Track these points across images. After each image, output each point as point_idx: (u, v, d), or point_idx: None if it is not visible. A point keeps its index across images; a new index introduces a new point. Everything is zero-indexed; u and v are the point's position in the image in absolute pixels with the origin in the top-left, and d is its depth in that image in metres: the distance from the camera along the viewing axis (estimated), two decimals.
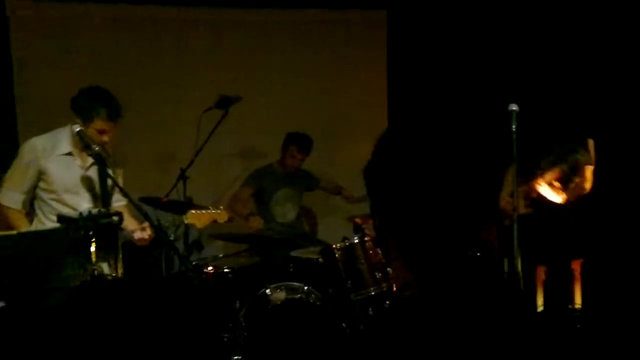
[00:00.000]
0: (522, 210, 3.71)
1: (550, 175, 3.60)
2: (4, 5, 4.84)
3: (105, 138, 3.19)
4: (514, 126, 3.33)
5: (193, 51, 5.30)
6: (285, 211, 4.92)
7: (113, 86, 4.91)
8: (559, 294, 4.32)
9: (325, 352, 3.67)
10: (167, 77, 5.24)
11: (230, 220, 4.36)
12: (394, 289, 3.89)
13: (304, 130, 4.92)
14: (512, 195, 3.64)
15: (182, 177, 4.35)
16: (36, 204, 3.25)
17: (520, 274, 3.23)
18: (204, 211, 3.55)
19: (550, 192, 3.61)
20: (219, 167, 5.25)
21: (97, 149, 3.02)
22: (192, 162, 4.32)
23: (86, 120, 3.14)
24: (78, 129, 3.04)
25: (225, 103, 4.40)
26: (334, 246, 4.01)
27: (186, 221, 3.47)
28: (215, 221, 3.60)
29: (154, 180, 4.79)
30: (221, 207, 3.67)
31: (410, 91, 5.56)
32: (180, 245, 4.14)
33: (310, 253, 4.24)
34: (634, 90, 4.89)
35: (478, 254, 4.15)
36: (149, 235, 3.19)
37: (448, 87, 5.41)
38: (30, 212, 3.27)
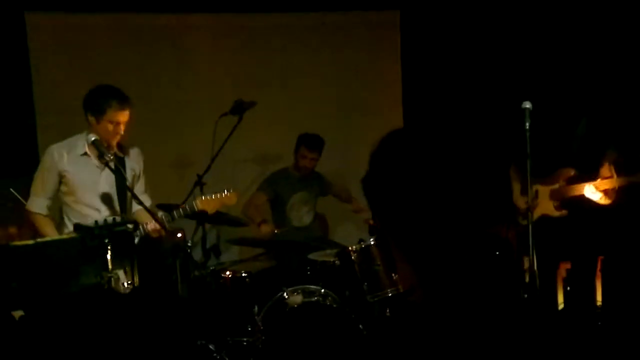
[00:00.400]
0: (554, 212, 3.68)
1: (609, 182, 3.59)
2: (23, 17, 4.93)
3: (121, 130, 3.32)
4: (527, 124, 3.32)
5: (210, 58, 5.34)
6: (301, 215, 4.94)
7: (129, 93, 5.03)
8: (580, 291, 4.28)
9: (342, 354, 3.68)
10: (182, 83, 5.29)
11: (245, 224, 4.40)
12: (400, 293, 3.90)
13: (318, 133, 4.94)
14: (522, 193, 3.62)
15: (199, 183, 4.37)
16: (63, 210, 3.39)
17: (537, 272, 3.21)
18: (212, 196, 3.57)
19: (599, 196, 3.58)
20: (234, 173, 5.28)
21: (111, 157, 3.09)
22: (208, 167, 4.34)
23: (99, 114, 3.28)
24: (93, 139, 3.11)
25: (240, 109, 4.43)
26: (349, 248, 4.03)
27: (197, 208, 3.50)
28: (224, 204, 3.62)
29: (171, 186, 4.84)
30: (231, 190, 3.66)
31: (425, 91, 5.55)
32: (198, 251, 4.19)
33: (326, 256, 4.26)
34: None
35: (497, 253, 4.14)
36: (161, 229, 3.29)
37: (462, 86, 5.39)
38: (59, 220, 3.39)
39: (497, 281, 3.97)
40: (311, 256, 4.29)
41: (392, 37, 5.63)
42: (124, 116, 3.34)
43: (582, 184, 3.59)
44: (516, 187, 3.94)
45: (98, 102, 3.31)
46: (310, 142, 4.85)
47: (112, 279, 2.54)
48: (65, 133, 3.56)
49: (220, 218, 3.81)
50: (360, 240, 4.11)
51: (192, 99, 5.28)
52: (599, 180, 3.56)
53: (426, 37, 5.51)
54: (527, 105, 3.35)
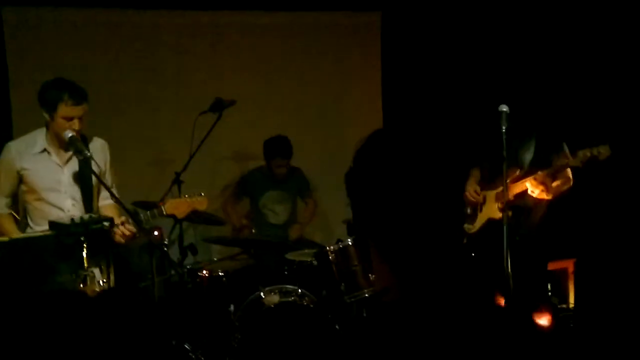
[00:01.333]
0: (497, 214, 3.72)
1: (542, 175, 3.62)
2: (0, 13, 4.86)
3: (75, 125, 3.10)
4: (504, 127, 3.35)
5: (189, 55, 5.31)
6: (276, 212, 4.95)
7: (110, 89, 5.01)
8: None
9: (319, 354, 3.69)
10: (163, 81, 5.26)
11: (223, 222, 4.39)
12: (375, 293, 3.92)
13: (298, 133, 4.95)
14: (500, 197, 3.66)
15: (177, 180, 4.35)
16: (26, 210, 3.23)
17: (510, 274, 3.25)
18: (181, 200, 3.37)
19: (538, 191, 3.62)
20: (213, 171, 5.26)
21: (88, 154, 3.01)
22: (186, 165, 4.32)
23: (51, 110, 3.10)
24: (70, 135, 3.03)
25: (219, 106, 4.40)
26: (327, 248, 4.04)
27: (165, 212, 3.29)
28: (195, 210, 3.39)
29: (150, 183, 4.82)
30: (201, 194, 3.44)
31: (405, 92, 5.58)
32: (175, 249, 4.18)
33: (304, 255, 4.27)
34: (617, 88, 4.93)
35: (472, 254, 4.17)
36: (132, 233, 3.07)
37: (442, 88, 5.43)
38: (23, 220, 3.27)
39: (472, 282, 4.01)
40: (289, 256, 4.30)
41: (373, 38, 5.65)
42: (77, 111, 3.11)
43: (523, 180, 3.65)
44: (470, 185, 3.98)
45: (49, 97, 3.11)
46: (285, 151, 4.84)
47: (88, 277, 2.51)
48: (40, 125, 3.41)
49: (197, 217, 3.75)
50: (339, 241, 4.13)
51: (171, 96, 5.25)
52: (538, 172, 3.61)
53: (407, 38, 5.54)
54: (504, 108, 3.39)
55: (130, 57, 5.19)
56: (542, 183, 3.63)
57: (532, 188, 3.64)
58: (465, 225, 3.96)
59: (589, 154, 3.50)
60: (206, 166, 4.98)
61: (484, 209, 3.89)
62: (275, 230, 4.87)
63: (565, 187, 3.77)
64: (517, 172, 3.69)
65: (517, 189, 3.66)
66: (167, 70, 5.27)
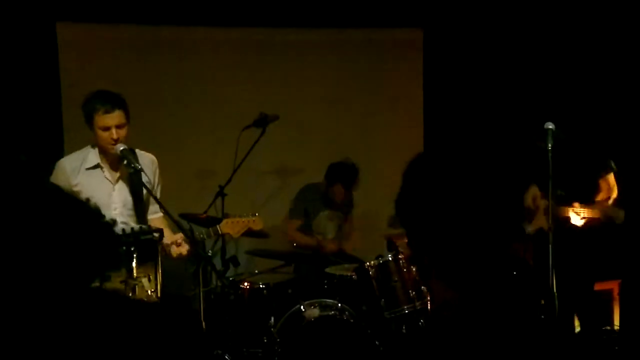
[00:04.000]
0: (544, 225, 3.69)
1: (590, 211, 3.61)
2: (55, 28, 5.04)
3: (113, 135, 3.09)
4: (550, 145, 3.32)
5: (234, 70, 5.42)
6: (326, 230, 4.98)
7: (154, 103, 5.14)
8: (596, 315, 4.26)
9: None
10: (208, 95, 5.37)
11: (266, 235, 4.44)
12: (430, 308, 3.89)
13: (338, 150, 4.97)
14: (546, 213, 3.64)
15: (221, 193, 4.43)
16: None
17: (556, 293, 3.21)
18: (238, 219, 3.49)
19: (581, 222, 3.60)
20: (255, 184, 5.34)
21: (139, 167, 3.08)
22: (230, 179, 4.40)
23: (89, 123, 3.11)
24: (121, 148, 3.11)
25: (263, 121, 4.48)
26: (367, 264, 4.05)
27: (221, 231, 3.42)
28: (250, 229, 3.51)
29: (193, 196, 4.90)
30: (256, 214, 3.56)
31: (446, 110, 5.57)
32: (217, 261, 4.24)
33: (344, 270, 4.28)
34: None
35: (515, 273, 4.14)
36: (187, 250, 3.17)
37: (484, 105, 5.41)
38: None
39: (514, 302, 3.97)
40: (329, 270, 4.32)
41: (414, 55, 5.67)
42: (113, 119, 3.08)
43: (567, 207, 3.62)
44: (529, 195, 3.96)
45: (85, 111, 3.13)
46: (348, 181, 4.84)
47: (137, 286, 2.58)
48: (90, 140, 3.44)
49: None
50: (379, 256, 4.13)
51: (216, 111, 5.35)
52: (579, 206, 3.58)
53: (449, 55, 5.54)
54: (550, 126, 3.36)
55: (177, 72, 5.32)
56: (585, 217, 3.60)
57: (576, 217, 3.61)
58: (526, 226, 3.94)
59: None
60: (248, 180, 5.05)
61: (538, 215, 3.86)
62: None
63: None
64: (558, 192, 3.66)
65: (561, 212, 3.63)
66: (212, 85, 5.38)
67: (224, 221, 3.42)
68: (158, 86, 5.25)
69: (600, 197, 3.70)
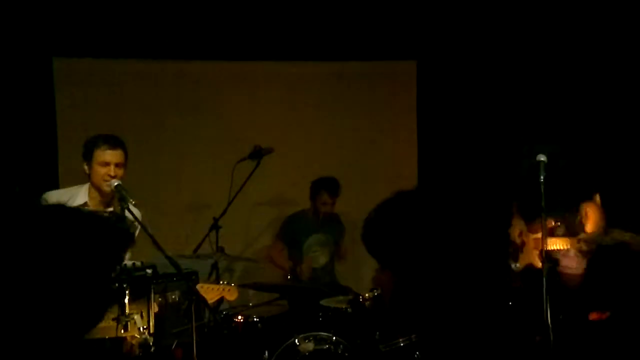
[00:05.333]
0: (538, 264, 3.69)
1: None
2: (51, 61, 5.09)
3: (111, 172, 3.15)
4: (542, 177, 3.34)
5: (228, 103, 5.47)
6: (317, 256, 4.98)
7: (148, 136, 5.17)
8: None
9: None
10: (203, 129, 5.41)
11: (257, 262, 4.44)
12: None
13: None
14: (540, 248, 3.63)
15: (215, 226, 4.44)
16: None
17: (550, 325, 3.20)
18: (213, 286, 3.51)
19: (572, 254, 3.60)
20: (249, 216, 5.34)
21: (133, 202, 3.09)
22: (225, 211, 4.41)
23: (89, 159, 3.18)
24: (116, 184, 3.12)
25: (258, 154, 4.52)
26: (362, 296, 4.04)
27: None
28: (222, 298, 3.52)
29: (187, 228, 4.91)
30: (232, 285, 3.59)
31: (440, 141, 5.61)
32: None
33: (338, 302, 4.26)
34: None
35: (510, 303, 4.13)
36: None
37: (478, 137, 5.45)
38: None
39: (510, 332, 3.95)
40: (323, 302, 4.30)
41: (408, 87, 5.72)
42: (113, 156, 3.19)
43: (559, 239, 3.61)
44: (515, 227, 3.95)
45: (86, 146, 3.23)
46: (332, 189, 4.91)
47: (129, 323, 2.57)
48: (86, 179, 3.54)
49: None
50: (373, 289, 4.13)
51: (211, 143, 5.38)
52: (570, 239, 3.57)
53: (442, 87, 5.60)
54: (542, 158, 3.38)
55: (173, 105, 5.37)
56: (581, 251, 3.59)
57: (566, 251, 3.61)
58: (512, 263, 3.91)
59: (625, 237, 3.47)
60: (242, 211, 5.06)
61: (525, 250, 3.85)
62: (316, 274, 4.89)
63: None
64: (552, 224, 3.66)
65: (552, 244, 3.63)
66: (206, 118, 5.42)
67: (199, 285, 3.37)
68: (153, 120, 5.28)
69: (589, 227, 3.71)
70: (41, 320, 1.29)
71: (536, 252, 3.74)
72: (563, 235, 3.66)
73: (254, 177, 4.49)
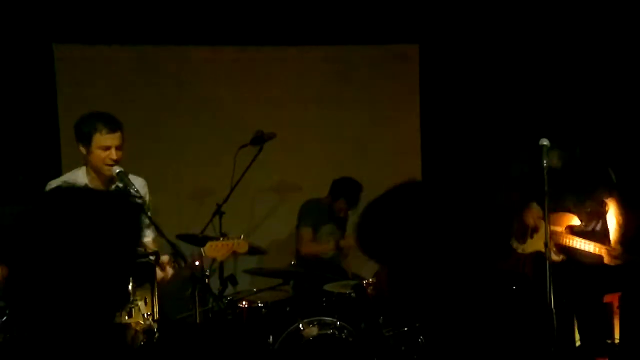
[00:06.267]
0: (552, 256, 3.69)
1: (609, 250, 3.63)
2: (52, 48, 5.07)
3: (113, 155, 3.09)
4: (545, 161, 3.32)
5: (231, 88, 5.45)
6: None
7: (151, 122, 5.16)
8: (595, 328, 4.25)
9: None
10: (203, 114, 5.39)
11: (264, 252, 4.43)
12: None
13: (335, 166, 4.99)
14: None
15: (218, 212, 4.43)
16: None
17: (554, 310, 3.21)
18: (222, 242, 3.40)
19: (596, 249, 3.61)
20: (253, 202, 5.34)
21: (135, 189, 3.07)
22: (228, 197, 4.40)
23: (87, 143, 3.10)
24: (118, 170, 3.10)
25: (260, 140, 4.50)
26: (365, 281, 4.04)
27: (204, 255, 3.31)
28: (235, 252, 3.42)
29: (190, 214, 4.91)
30: (241, 236, 3.47)
31: (444, 124, 5.59)
32: (215, 280, 4.24)
33: (342, 287, 4.27)
34: None
35: (514, 288, 4.13)
36: (171, 275, 3.09)
37: (481, 120, 5.43)
38: None
39: (515, 317, 3.95)
40: (327, 287, 4.31)
41: (411, 71, 5.69)
42: (113, 139, 3.10)
43: (582, 240, 3.61)
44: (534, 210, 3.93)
45: (84, 130, 3.12)
46: (352, 200, 4.85)
47: (133, 309, 2.58)
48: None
49: None
50: (377, 273, 4.13)
51: (214, 129, 5.37)
52: (597, 244, 3.59)
53: (445, 71, 5.56)
54: (545, 142, 3.37)
55: (174, 91, 5.34)
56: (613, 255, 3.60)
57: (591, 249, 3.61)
58: (515, 243, 3.91)
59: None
60: (246, 197, 5.06)
61: (536, 236, 3.84)
62: (321, 263, 4.89)
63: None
64: (573, 221, 3.66)
65: (574, 242, 3.63)
66: (209, 103, 5.40)
67: (208, 244, 3.32)
68: (155, 106, 5.27)
69: (610, 218, 3.72)
70: (74, 304, 1.28)
71: (550, 244, 3.74)
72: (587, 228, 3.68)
73: (257, 162, 4.47)
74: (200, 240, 3.39)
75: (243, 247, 3.43)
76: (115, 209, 1.31)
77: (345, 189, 4.90)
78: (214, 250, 3.35)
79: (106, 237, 1.28)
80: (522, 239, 3.92)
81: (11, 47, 4.86)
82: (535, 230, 3.88)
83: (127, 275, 1.33)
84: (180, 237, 3.68)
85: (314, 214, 4.97)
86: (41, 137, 4.99)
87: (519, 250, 3.92)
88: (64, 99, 5.10)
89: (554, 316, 3.22)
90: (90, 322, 1.29)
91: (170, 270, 3.04)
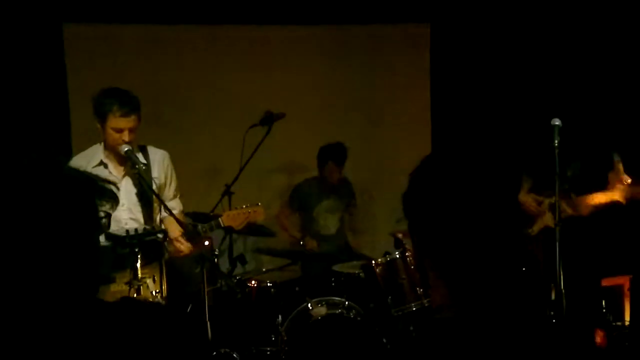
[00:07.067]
0: (550, 223, 3.67)
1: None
2: (61, 28, 5.06)
3: (125, 137, 3.09)
4: (556, 141, 3.29)
5: (239, 68, 5.42)
6: (328, 224, 4.97)
7: (160, 102, 5.15)
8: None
9: None
10: (213, 94, 5.37)
11: (272, 234, 4.44)
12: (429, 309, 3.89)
13: (346, 146, 4.97)
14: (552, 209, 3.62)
15: (227, 192, 4.43)
16: None
17: (563, 290, 3.19)
18: (238, 211, 3.41)
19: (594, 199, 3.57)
20: (262, 182, 5.33)
21: (142, 165, 3.09)
22: (237, 177, 4.40)
23: (102, 120, 3.09)
24: (126, 149, 3.11)
25: (269, 120, 4.48)
26: (374, 261, 4.04)
27: (223, 224, 3.34)
28: (251, 221, 3.43)
29: (200, 194, 4.91)
30: (258, 204, 3.48)
31: (454, 104, 5.54)
32: (224, 260, 4.25)
33: (351, 268, 4.28)
34: None
35: (523, 269, 4.12)
36: (188, 248, 3.14)
37: (492, 101, 5.38)
38: None
39: (524, 298, 3.95)
40: (336, 268, 4.32)
41: (421, 50, 5.64)
42: (126, 122, 3.08)
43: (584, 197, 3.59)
44: (525, 188, 3.92)
45: (99, 107, 3.10)
46: (338, 157, 4.86)
47: (142, 287, 2.59)
48: (98, 140, 3.44)
49: (249, 229, 3.80)
50: (386, 253, 4.12)
51: (222, 109, 5.36)
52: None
53: (456, 50, 5.51)
54: (557, 122, 3.33)
55: (184, 71, 5.33)
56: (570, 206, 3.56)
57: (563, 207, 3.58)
58: (526, 229, 3.90)
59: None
60: (255, 177, 5.05)
61: (541, 213, 3.83)
62: (326, 242, 4.89)
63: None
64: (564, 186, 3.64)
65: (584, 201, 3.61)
66: (219, 84, 5.38)
67: (225, 214, 3.35)
68: (165, 85, 5.25)
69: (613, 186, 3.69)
70: (32, 286, 1.26)
71: (550, 215, 3.71)
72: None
73: (266, 143, 4.45)
74: (209, 219, 3.41)
75: (260, 215, 3.42)
76: (64, 191, 1.29)
77: (328, 151, 4.88)
78: (231, 219, 3.36)
79: (54, 220, 1.26)
80: (529, 223, 3.90)
81: (21, 27, 4.86)
82: (539, 214, 3.85)
83: (88, 260, 1.30)
84: (190, 214, 3.69)
85: (299, 197, 4.99)
86: (51, 116, 5.00)
87: (530, 232, 3.90)
88: (73, 78, 5.10)
89: (564, 296, 3.19)
90: (54, 306, 1.27)
91: (186, 244, 3.04)
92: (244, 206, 3.45)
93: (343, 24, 5.48)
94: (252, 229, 3.91)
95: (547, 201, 3.78)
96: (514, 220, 1.40)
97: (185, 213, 3.74)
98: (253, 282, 4.08)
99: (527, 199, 3.87)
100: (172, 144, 5.08)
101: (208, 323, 3.24)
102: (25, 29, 4.87)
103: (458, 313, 1.39)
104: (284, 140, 5.00)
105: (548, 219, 3.71)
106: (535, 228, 3.83)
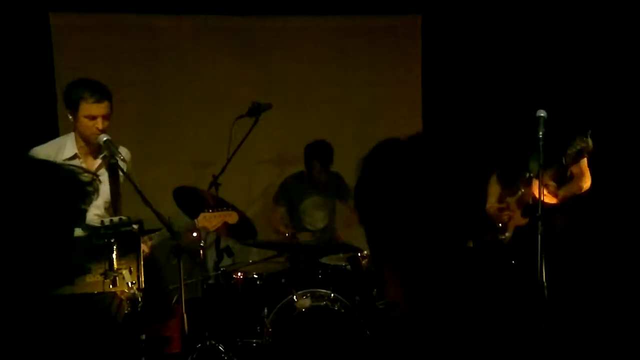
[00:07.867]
0: (522, 221, 3.64)
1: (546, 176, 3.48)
2: (48, 17, 5.03)
3: (99, 125, 3.06)
4: (541, 132, 3.27)
5: (228, 58, 5.39)
6: (315, 219, 4.95)
7: (148, 92, 5.12)
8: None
9: (349, 359, 3.68)
10: (201, 84, 5.35)
11: (253, 232, 4.41)
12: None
13: (336, 137, 4.94)
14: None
15: (215, 183, 4.41)
16: None
17: (545, 283, 3.17)
18: (214, 213, 3.46)
19: (544, 194, 3.49)
20: (250, 174, 5.32)
21: (121, 157, 3.06)
22: (224, 168, 4.37)
23: (74, 110, 3.07)
24: (105, 139, 3.09)
25: (256, 111, 4.44)
26: (360, 254, 4.03)
27: (198, 225, 3.40)
28: (226, 223, 3.48)
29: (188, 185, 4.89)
30: (230, 208, 3.56)
31: (445, 96, 5.52)
32: (212, 251, 4.24)
33: (338, 260, 4.26)
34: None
35: (513, 262, 4.09)
36: (149, 249, 3.12)
37: (483, 92, 5.35)
38: None
39: (510, 291, 3.92)
40: (323, 260, 4.29)
41: (413, 41, 5.61)
42: (100, 109, 3.06)
43: (531, 185, 3.55)
44: (492, 196, 3.88)
45: (71, 97, 3.07)
46: (324, 158, 4.82)
47: (117, 278, 2.57)
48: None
49: (229, 230, 3.79)
50: None
51: (210, 100, 5.33)
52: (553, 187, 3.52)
53: (447, 42, 5.47)
54: (542, 113, 3.30)
55: (172, 61, 5.30)
56: (545, 185, 3.49)
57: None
58: (499, 237, 3.88)
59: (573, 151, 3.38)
60: (243, 169, 5.03)
61: (511, 213, 3.81)
62: (314, 236, 4.87)
63: (577, 188, 3.66)
64: (527, 175, 3.60)
65: (531, 191, 3.57)
66: (207, 74, 5.35)
67: (201, 215, 3.38)
68: (153, 75, 5.23)
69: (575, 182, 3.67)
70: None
71: (519, 212, 3.70)
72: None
73: (254, 134, 4.42)
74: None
75: (234, 218, 3.49)
76: (44, 181, 1.27)
77: (314, 150, 4.85)
78: (207, 220, 3.40)
79: (31, 209, 1.24)
80: (501, 230, 3.87)
81: (7, 16, 4.82)
82: (508, 218, 3.82)
83: (61, 250, 1.28)
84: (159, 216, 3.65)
85: (289, 189, 4.96)
86: (38, 106, 4.97)
87: (505, 239, 3.87)
88: (60, 67, 5.07)
89: (545, 290, 3.18)
90: (25, 297, 1.25)
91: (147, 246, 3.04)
92: (218, 209, 3.51)
93: (334, 15, 5.45)
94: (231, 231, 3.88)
95: (512, 200, 3.75)
96: (471, 215, 1.34)
97: (153, 210, 3.67)
98: (239, 273, 4.07)
99: (492, 209, 3.85)
100: (162, 134, 5.10)
101: (185, 315, 3.22)
102: (10, 18, 4.83)
103: (409, 310, 1.34)
104: (272, 131, 4.98)
105: (518, 219, 3.70)
106: (508, 234, 3.81)
